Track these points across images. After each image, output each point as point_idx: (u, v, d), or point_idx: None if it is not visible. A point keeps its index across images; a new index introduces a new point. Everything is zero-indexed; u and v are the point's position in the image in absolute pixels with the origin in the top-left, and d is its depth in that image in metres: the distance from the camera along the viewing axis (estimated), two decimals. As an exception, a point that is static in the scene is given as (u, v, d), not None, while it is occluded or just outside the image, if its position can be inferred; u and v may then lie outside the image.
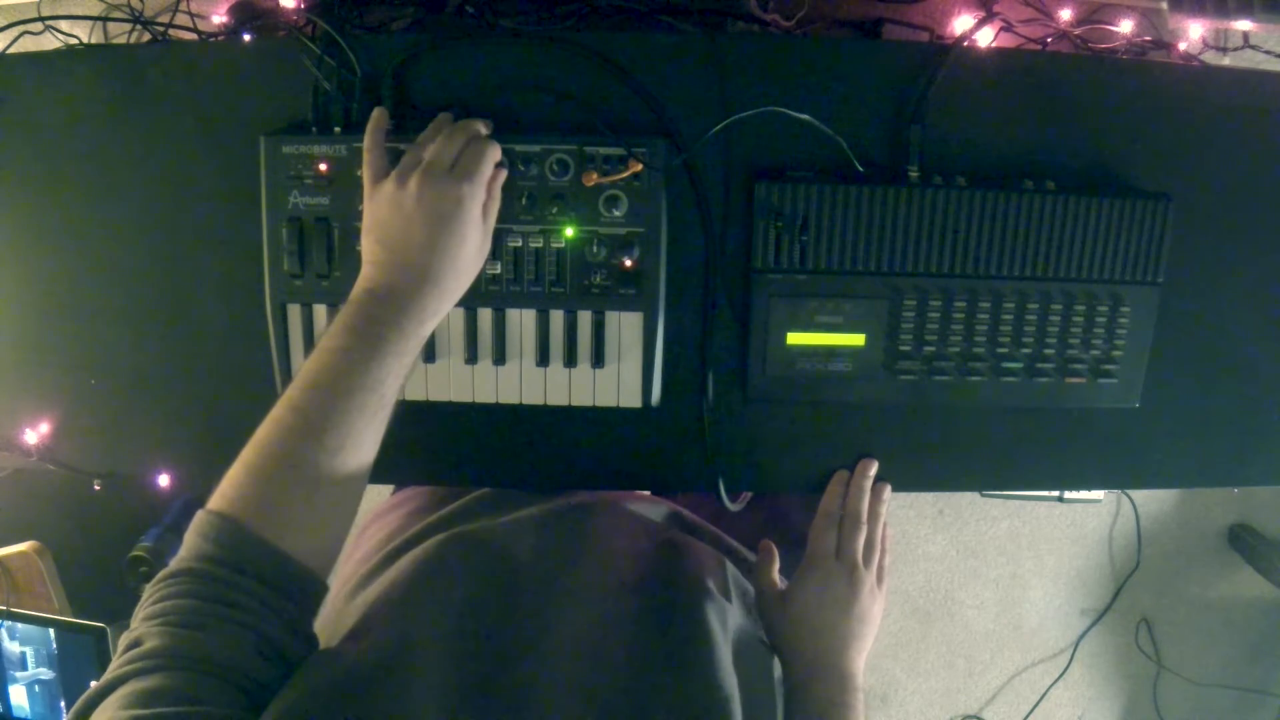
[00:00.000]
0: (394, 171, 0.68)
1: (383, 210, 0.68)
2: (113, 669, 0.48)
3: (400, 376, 0.65)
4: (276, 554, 0.56)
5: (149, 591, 0.54)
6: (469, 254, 0.69)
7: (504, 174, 0.73)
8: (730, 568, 0.78)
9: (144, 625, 0.51)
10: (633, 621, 0.60)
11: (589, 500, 0.77)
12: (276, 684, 0.51)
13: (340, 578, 0.77)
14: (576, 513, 0.73)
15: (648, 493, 0.89)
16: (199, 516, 0.57)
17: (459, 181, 0.67)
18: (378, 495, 0.90)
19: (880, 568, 0.82)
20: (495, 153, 0.71)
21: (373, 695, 0.51)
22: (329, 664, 0.53)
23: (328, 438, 0.60)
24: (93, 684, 0.48)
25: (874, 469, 0.84)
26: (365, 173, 0.70)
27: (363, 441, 0.62)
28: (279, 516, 0.57)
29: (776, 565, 0.82)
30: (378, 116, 0.72)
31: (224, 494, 0.58)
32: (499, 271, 0.77)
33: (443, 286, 0.67)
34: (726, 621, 0.64)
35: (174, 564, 0.55)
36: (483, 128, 0.73)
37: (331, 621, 0.68)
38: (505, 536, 0.67)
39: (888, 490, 0.84)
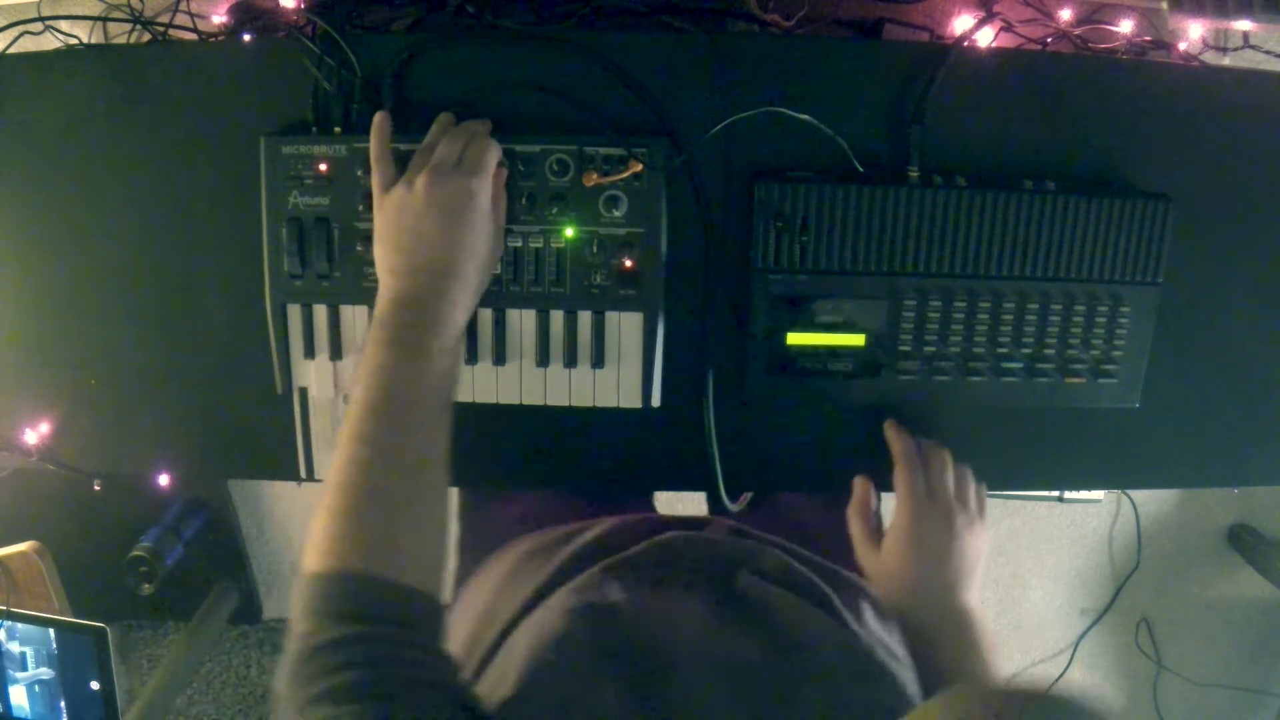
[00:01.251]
0: (401, 179, 0.69)
1: (393, 216, 0.68)
2: None
3: (451, 373, 0.65)
4: (401, 590, 0.54)
5: (298, 673, 0.50)
6: (484, 245, 0.70)
7: (505, 172, 0.74)
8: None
9: (325, 709, 0.47)
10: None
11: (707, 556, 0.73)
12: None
13: (471, 606, 0.74)
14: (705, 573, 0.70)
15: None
16: (311, 583, 0.54)
17: (466, 176, 0.68)
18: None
19: (979, 497, 0.79)
20: (497, 151, 0.72)
21: None
22: None
23: (406, 456, 0.59)
24: None
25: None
26: (374, 181, 0.71)
27: (438, 448, 0.62)
28: (389, 551, 0.56)
29: (875, 500, 0.79)
30: (380, 123, 0.72)
31: (325, 549, 0.55)
32: (499, 272, 0.77)
33: (465, 276, 0.68)
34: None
35: (307, 641, 0.51)
36: (482, 128, 0.74)
37: (468, 644, 0.66)
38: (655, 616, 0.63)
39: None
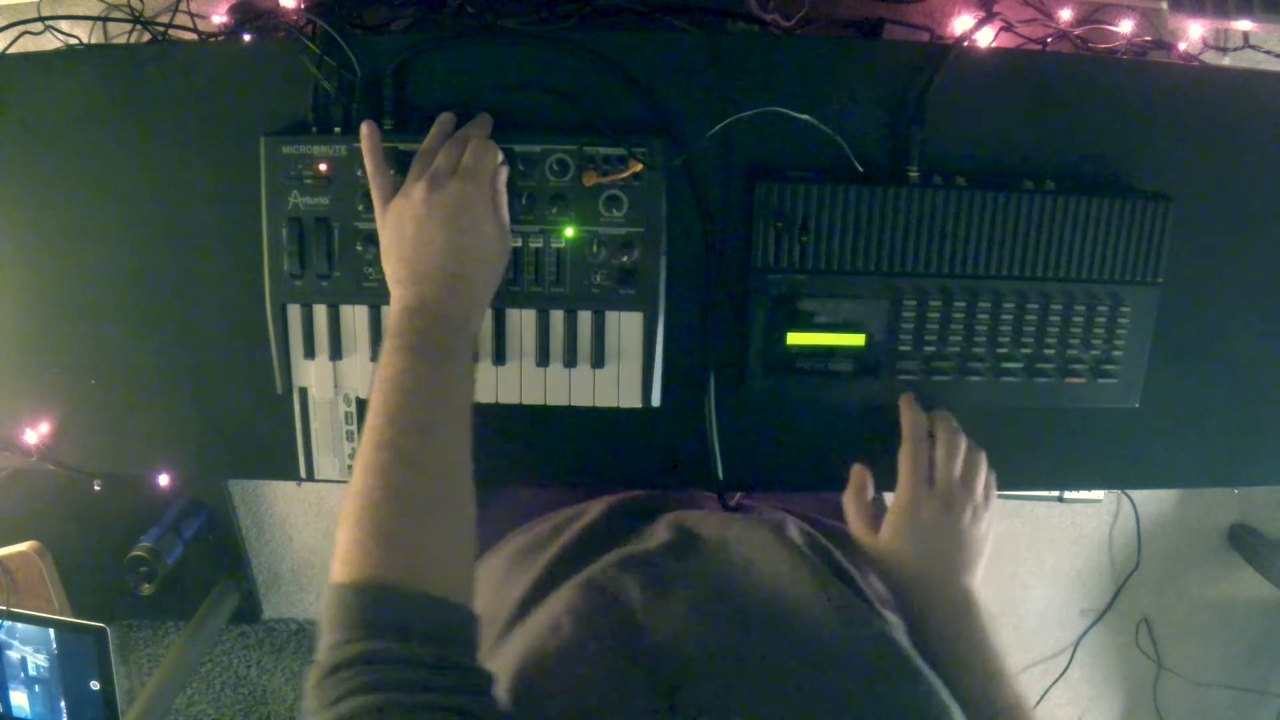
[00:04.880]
0: (400, 190, 0.70)
1: (394, 228, 0.69)
2: None
3: (468, 377, 0.65)
4: (427, 602, 0.52)
5: (322, 686, 0.48)
6: (489, 247, 0.70)
7: (506, 170, 0.74)
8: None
9: None
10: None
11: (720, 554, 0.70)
12: None
13: None
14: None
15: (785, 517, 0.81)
16: (337, 593, 0.52)
17: (463, 181, 0.69)
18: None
19: (987, 485, 0.77)
20: (495, 153, 0.72)
21: None
22: None
23: (427, 460, 0.59)
24: None
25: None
26: (373, 196, 0.72)
27: (460, 452, 0.61)
28: (415, 559, 0.54)
29: (871, 489, 0.77)
30: (369, 135, 0.72)
31: (349, 559, 0.53)
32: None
33: (472, 279, 0.69)
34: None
35: (333, 653, 0.49)
36: (480, 128, 0.74)
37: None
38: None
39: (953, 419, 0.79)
